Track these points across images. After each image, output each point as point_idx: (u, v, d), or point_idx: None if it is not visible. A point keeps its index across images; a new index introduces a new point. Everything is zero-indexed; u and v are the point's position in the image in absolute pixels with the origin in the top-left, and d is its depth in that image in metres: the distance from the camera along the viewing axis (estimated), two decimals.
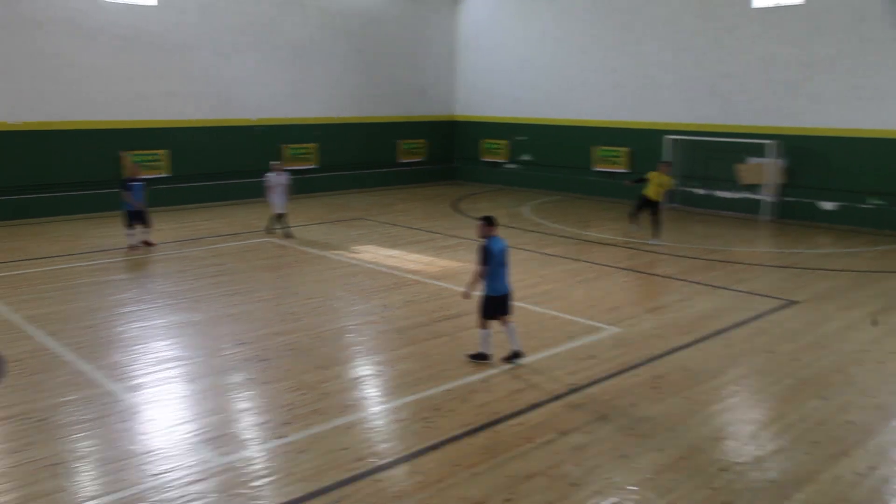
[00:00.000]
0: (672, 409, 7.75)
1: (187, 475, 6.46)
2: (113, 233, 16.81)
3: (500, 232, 9.17)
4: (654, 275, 13.76)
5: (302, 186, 22.58)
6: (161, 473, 6.48)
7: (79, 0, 19.50)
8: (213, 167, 22.49)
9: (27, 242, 16.53)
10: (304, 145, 24.37)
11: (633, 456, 6.72)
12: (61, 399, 8.09)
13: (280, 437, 7.22)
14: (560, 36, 24.19)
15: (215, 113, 22.36)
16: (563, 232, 17.77)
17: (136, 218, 15.33)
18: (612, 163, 23.28)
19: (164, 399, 8.18)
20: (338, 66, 24.79)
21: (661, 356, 9.34)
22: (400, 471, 6.54)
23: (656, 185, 16.20)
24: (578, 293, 12.28)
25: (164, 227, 17.49)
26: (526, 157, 25.99)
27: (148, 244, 15.56)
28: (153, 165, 20.91)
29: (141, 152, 20.67)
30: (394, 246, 16.21)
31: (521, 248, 15.49)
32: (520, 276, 12.39)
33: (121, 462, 6.68)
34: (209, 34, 21.80)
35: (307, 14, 23.89)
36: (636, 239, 16.62)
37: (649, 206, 16.38)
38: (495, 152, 26.98)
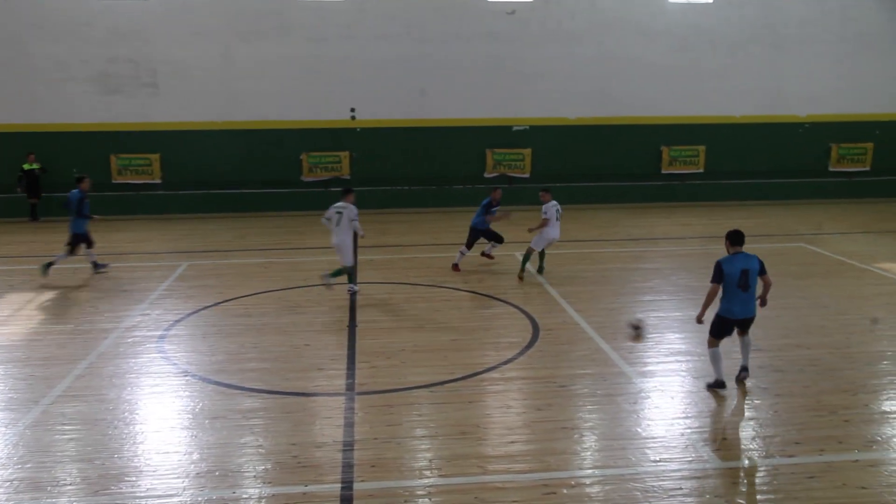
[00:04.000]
0: None
1: (684, 469, 6.67)
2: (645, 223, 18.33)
3: None
4: None
5: (850, 190, 23.03)
6: (660, 461, 6.81)
7: (644, 4, 21.61)
8: (753, 165, 22.90)
9: (568, 226, 16.45)
10: (858, 145, 23.32)
11: None
12: (580, 371, 9.05)
13: (787, 455, 6.98)
14: None
15: (761, 110, 22.67)
16: None
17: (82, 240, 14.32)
18: None
19: (671, 390, 8.52)
20: None
21: None
22: None
23: None
24: None
25: (694, 223, 17.53)
26: None
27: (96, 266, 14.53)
28: (690, 161, 22.64)
29: (677, 147, 22.46)
30: None
31: None
32: None
33: (624, 441, 7.21)
34: (766, 28, 22.11)
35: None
36: None
37: None
38: None
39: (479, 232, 14.19)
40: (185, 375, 8.97)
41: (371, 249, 16.31)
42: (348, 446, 7.08)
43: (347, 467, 6.68)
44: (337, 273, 12.56)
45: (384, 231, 18.56)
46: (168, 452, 7.00)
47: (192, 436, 7.39)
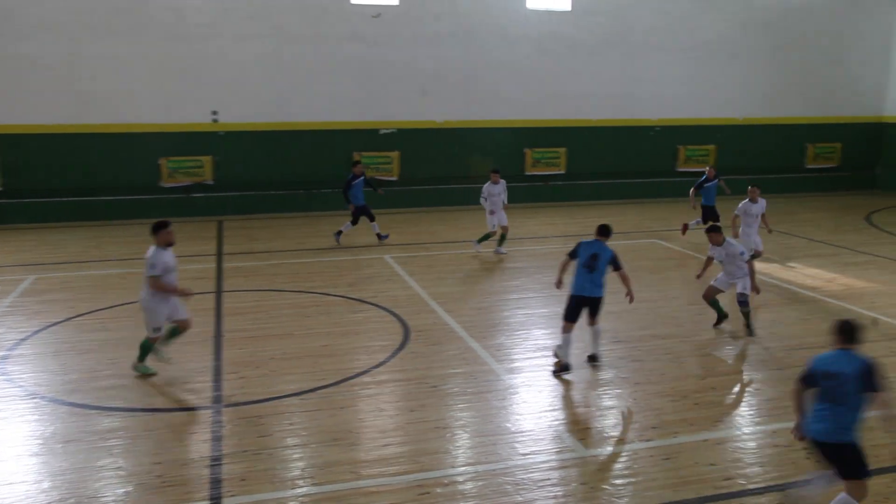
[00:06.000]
0: None
1: (552, 460, 6.98)
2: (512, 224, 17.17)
3: None
4: None
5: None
6: (529, 454, 7.09)
7: (505, 9, 22.03)
8: (607, 167, 23.67)
9: (437, 227, 18.96)
10: (703, 147, 24.50)
11: None
12: (451, 370, 9.23)
13: (646, 440, 7.41)
14: None
15: (616, 113, 23.48)
16: None
17: (362, 212, 16.92)
18: None
19: (539, 384, 8.86)
20: (747, 63, 24.36)
21: None
22: (768, 499, 6.37)
23: None
24: None
25: (557, 222, 17.76)
26: None
27: (380, 237, 17.23)
28: (552, 163, 23.40)
29: (540, 150, 23.14)
30: (790, 258, 15.60)
31: None
32: None
33: (494, 437, 7.45)
34: (619, 36, 23.09)
35: (724, 10, 23.79)
36: None
37: None
38: None
39: (710, 209, 16.52)
40: (34, 398, 8.35)
41: (237, 256, 15.84)
42: (216, 461, 6.85)
43: (216, 483, 6.46)
44: (495, 238, 16.00)
45: (250, 237, 18.03)
46: (13, 483, 6.49)
47: (41, 462, 6.90)
